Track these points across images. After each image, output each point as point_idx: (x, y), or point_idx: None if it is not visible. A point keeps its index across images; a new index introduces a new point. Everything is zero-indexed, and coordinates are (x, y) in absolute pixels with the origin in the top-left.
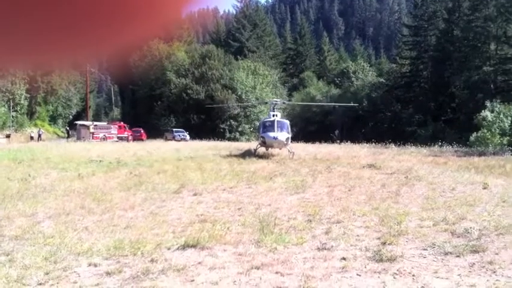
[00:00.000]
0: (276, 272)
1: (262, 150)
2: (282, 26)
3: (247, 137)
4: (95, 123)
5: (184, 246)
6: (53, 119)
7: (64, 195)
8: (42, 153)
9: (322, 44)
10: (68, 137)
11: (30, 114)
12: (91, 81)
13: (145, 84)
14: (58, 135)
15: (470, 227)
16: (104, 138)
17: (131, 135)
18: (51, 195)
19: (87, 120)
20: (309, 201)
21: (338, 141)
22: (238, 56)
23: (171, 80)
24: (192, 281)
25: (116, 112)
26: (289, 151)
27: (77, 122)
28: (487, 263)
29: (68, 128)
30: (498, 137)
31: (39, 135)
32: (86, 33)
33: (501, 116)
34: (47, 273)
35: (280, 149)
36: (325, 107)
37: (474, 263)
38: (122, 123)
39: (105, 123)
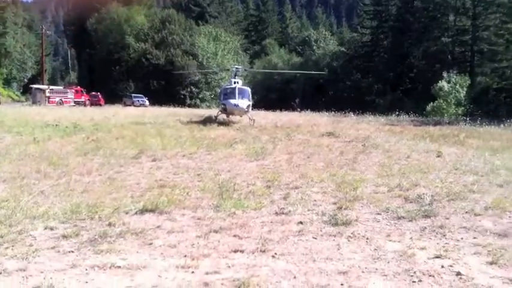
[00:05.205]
0: (234, 235)
1: (222, 117)
2: None
3: (208, 104)
4: (51, 87)
5: (143, 211)
6: (7, 82)
7: (19, 159)
8: None
9: (284, 11)
10: None
11: None
12: (47, 44)
13: (103, 48)
14: (13, 98)
15: (423, 193)
16: (61, 103)
17: (88, 99)
18: (5, 159)
19: (42, 83)
20: (269, 168)
21: (298, 109)
22: (200, 22)
23: (130, 44)
24: (151, 244)
25: (73, 76)
26: (249, 118)
27: (32, 86)
28: (438, 227)
29: None
30: (453, 107)
31: None
32: None
33: (457, 86)
34: (1, 236)
35: (241, 116)
36: (286, 75)
37: (425, 227)
38: (79, 87)
39: (61, 88)
